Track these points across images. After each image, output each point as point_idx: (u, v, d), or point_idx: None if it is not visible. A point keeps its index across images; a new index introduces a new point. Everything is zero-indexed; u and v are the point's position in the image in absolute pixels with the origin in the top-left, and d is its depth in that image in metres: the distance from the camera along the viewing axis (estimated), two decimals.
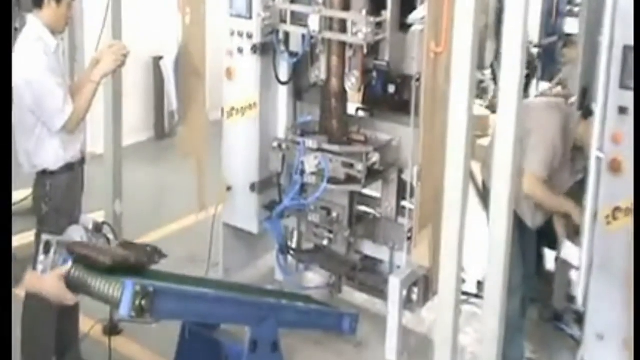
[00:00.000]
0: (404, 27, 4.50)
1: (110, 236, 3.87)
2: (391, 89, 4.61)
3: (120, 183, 5.25)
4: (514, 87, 3.33)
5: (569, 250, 4.43)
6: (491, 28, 8.30)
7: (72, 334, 4.61)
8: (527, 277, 4.75)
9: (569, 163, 4.61)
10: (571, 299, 4.54)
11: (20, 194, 5.10)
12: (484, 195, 4.89)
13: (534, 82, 8.63)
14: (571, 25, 8.60)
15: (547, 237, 4.85)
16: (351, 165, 4.52)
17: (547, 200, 4.52)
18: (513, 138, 3.36)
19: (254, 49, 4.87)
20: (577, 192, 4.45)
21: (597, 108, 3.76)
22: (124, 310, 3.29)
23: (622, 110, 3.68)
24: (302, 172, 4.64)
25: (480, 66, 4.18)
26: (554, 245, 4.81)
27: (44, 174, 4.34)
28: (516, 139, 3.37)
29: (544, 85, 8.48)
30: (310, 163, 4.60)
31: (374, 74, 4.59)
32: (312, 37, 4.56)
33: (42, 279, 3.43)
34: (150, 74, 8.62)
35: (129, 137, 6.86)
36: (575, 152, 4.58)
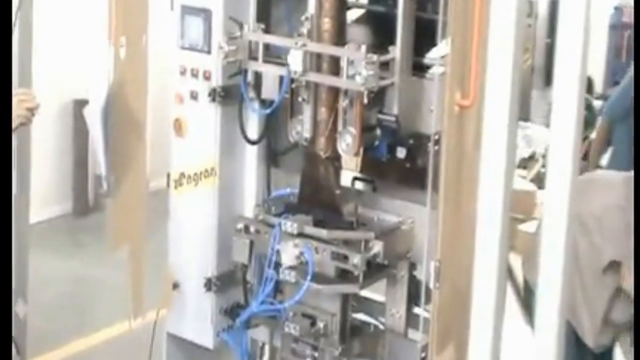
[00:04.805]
0: (419, 68, 4.57)
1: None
2: (401, 153, 4.67)
3: (25, 275, 5.26)
4: (567, 153, 3.38)
5: None
6: (539, 71, 8.35)
7: None
8: None
9: None
10: None
11: None
12: (527, 300, 4.91)
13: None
14: None
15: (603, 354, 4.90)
16: (345, 258, 4.53)
17: None
18: (566, 222, 3.39)
19: (213, 94, 4.93)
20: None
21: None
22: None
23: None
24: (277, 266, 4.65)
25: None
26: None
27: None
28: (570, 222, 3.40)
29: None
30: (289, 253, 4.61)
31: (378, 132, 4.64)
32: (292, 81, 4.61)
33: None
34: (69, 124, 8.69)
35: (38, 211, 6.88)
36: None
